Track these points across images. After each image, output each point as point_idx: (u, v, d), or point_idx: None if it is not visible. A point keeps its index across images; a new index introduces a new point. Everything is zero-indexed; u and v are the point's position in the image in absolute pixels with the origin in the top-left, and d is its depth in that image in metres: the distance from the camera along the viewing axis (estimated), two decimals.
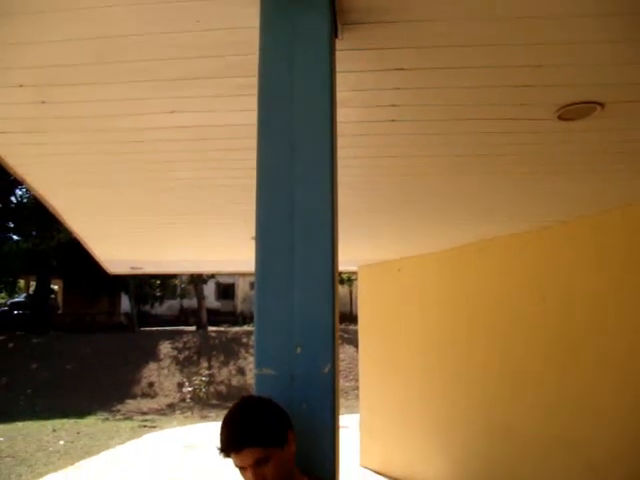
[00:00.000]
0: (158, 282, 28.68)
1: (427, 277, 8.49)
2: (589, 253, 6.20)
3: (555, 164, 4.32)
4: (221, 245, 7.69)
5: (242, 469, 1.76)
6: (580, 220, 6.17)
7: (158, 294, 28.95)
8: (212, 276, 29.50)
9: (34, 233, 27.79)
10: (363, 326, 10.05)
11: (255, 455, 1.72)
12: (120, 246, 7.99)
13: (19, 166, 4.48)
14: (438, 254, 8.16)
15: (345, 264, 9.97)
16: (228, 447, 1.74)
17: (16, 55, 2.78)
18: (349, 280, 28.03)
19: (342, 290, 28.49)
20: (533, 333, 6.80)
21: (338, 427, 2.00)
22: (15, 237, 28.69)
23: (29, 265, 27.55)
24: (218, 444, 1.77)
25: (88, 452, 11.17)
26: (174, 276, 30.16)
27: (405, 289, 8.89)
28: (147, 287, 28.03)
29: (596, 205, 5.69)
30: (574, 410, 6.30)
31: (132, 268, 10.05)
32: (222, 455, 1.77)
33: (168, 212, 5.88)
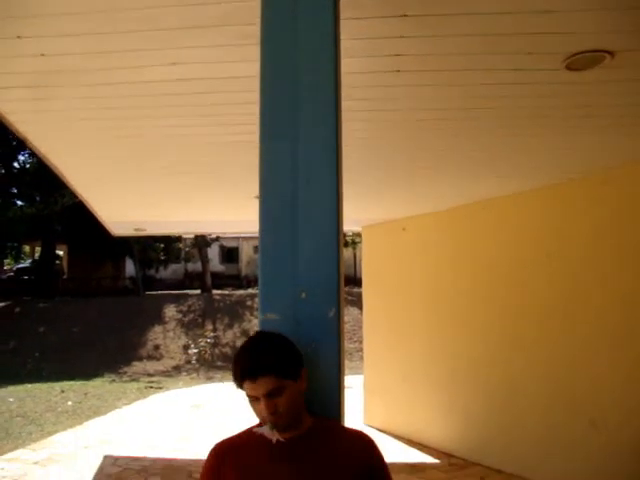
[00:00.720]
0: (162, 246, 28.71)
1: (431, 236, 8.48)
2: (596, 211, 6.17)
3: (563, 117, 4.26)
4: (225, 205, 7.66)
5: (254, 399, 1.74)
6: (588, 177, 6.12)
7: (162, 258, 29.00)
8: (216, 239, 29.50)
9: (38, 198, 27.78)
10: (367, 287, 10.08)
11: (270, 384, 1.70)
12: (123, 207, 7.98)
13: (20, 123, 4.44)
14: (442, 213, 8.14)
15: (349, 224, 9.96)
16: (244, 375, 1.72)
17: (13, 4, 2.73)
18: (353, 243, 28.00)
19: (346, 253, 28.49)
20: (535, 291, 6.81)
21: (343, 370, 2.00)
22: (19, 202, 28.67)
23: (34, 230, 27.59)
24: (233, 374, 1.76)
25: (96, 412, 11.30)
26: (178, 240, 30.21)
27: (409, 248, 8.89)
28: (151, 251, 28.06)
29: (604, 161, 5.63)
30: (574, 367, 6.35)
31: (136, 230, 10.06)
32: (235, 385, 1.76)
33: (171, 171, 5.85)
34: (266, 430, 1.77)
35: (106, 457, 7.98)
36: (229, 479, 1.81)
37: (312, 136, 2.03)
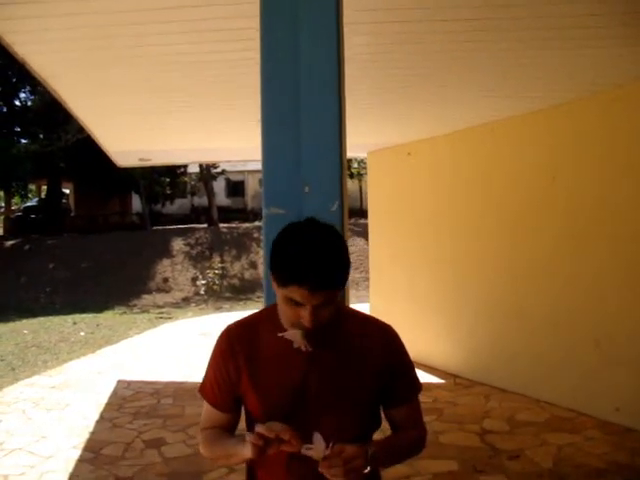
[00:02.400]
0: (168, 180, 28.66)
1: (438, 160, 8.42)
2: (608, 131, 6.09)
3: (570, 28, 4.15)
4: (228, 131, 7.60)
5: (294, 303, 1.54)
6: (599, 95, 6.01)
7: (168, 192, 28.97)
8: (222, 173, 29.42)
9: (41, 136, 27.63)
10: (373, 213, 10.08)
11: (328, 296, 1.52)
12: (127, 135, 7.93)
13: (20, 45, 4.34)
14: (449, 136, 8.06)
15: (354, 150, 9.89)
16: (306, 283, 1.47)
17: None
18: (359, 175, 27.90)
19: (352, 185, 28.40)
20: (546, 215, 6.80)
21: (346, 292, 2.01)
22: (22, 141, 28.54)
23: (39, 168, 27.50)
24: (281, 270, 1.52)
25: (108, 341, 11.54)
26: (183, 174, 30.14)
27: (415, 173, 8.84)
28: (157, 186, 28.02)
29: (614, 78, 5.51)
30: (582, 290, 6.40)
31: (141, 160, 10.03)
32: (274, 278, 1.56)
33: (174, 94, 5.79)
34: (297, 337, 1.60)
35: (119, 381, 8.19)
36: (243, 376, 1.68)
37: (314, 54, 1.99)
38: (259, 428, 1.50)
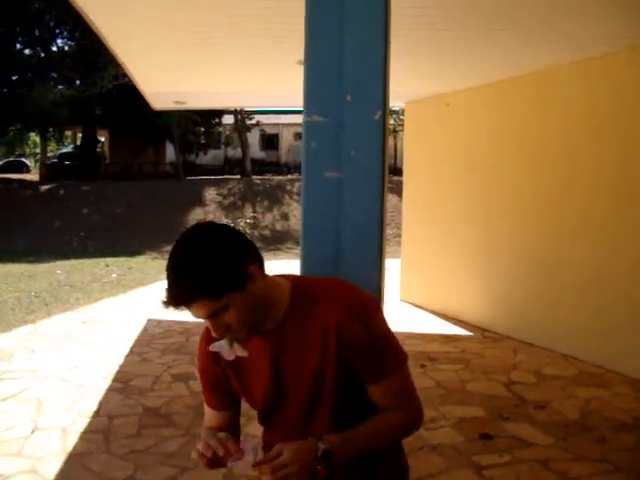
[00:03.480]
0: (202, 130, 28.67)
1: (476, 111, 8.25)
2: None
3: None
4: (266, 72, 7.49)
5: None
6: (633, 50, 5.80)
7: (202, 142, 29.01)
8: (256, 124, 29.34)
9: (77, 82, 27.74)
10: (408, 165, 9.96)
11: (207, 308, 1.39)
12: (164, 75, 7.89)
13: None
14: (489, 86, 7.87)
15: (392, 98, 9.71)
16: (174, 304, 1.39)
17: None
18: (394, 132, 27.59)
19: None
20: (583, 167, 6.64)
21: (386, 182, 1.96)
22: (59, 87, 28.67)
23: (75, 114, 27.71)
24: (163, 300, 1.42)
25: (139, 283, 11.72)
26: (218, 124, 30.09)
27: (453, 125, 8.69)
28: (191, 135, 28.04)
29: None
30: (618, 248, 6.28)
31: (176, 102, 9.99)
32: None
33: (211, 32, 5.71)
34: (224, 348, 1.52)
35: (149, 320, 8.31)
36: (226, 369, 1.63)
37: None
38: (198, 444, 1.47)
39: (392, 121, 27.43)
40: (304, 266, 1.93)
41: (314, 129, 1.86)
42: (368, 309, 1.52)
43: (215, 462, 1.46)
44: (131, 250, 17.48)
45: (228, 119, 31.50)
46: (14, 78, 27.84)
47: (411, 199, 9.84)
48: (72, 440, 4.46)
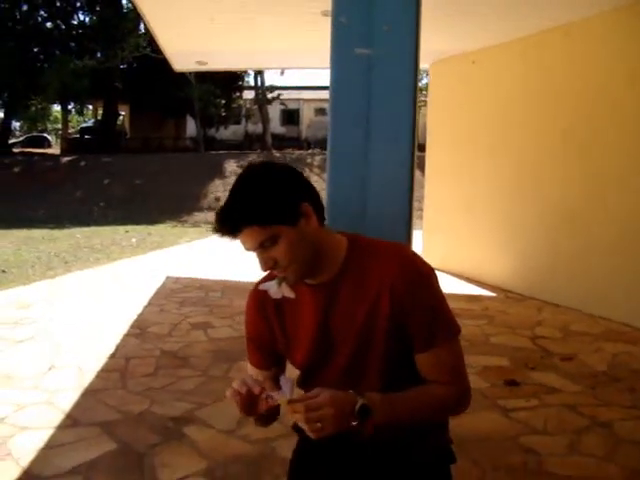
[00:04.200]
0: (223, 102, 28.50)
1: (502, 68, 8.03)
2: None
3: None
4: (290, 25, 7.31)
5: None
6: None
7: (223, 114, 28.85)
8: (277, 97, 29.12)
9: (98, 55, 27.66)
10: (432, 127, 9.76)
11: (256, 237, 1.38)
12: (186, 34, 7.76)
13: None
14: (517, 41, 7.63)
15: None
16: (223, 230, 1.39)
17: None
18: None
19: None
20: (617, 125, 6.42)
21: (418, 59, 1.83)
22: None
23: (96, 87, 27.62)
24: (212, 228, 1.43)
25: (158, 246, 11.69)
26: (239, 97, 29.91)
27: (478, 84, 8.47)
28: (212, 107, 27.89)
29: None
30: None
31: (197, 63, 9.86)
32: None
33: None
34: (272, 287, 1.50)
35: (168, 277, 8.26)
36: (275, 328, 1.60)
37: None
38: (234, 383, 1.42)
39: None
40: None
41: (343, 2, 1.71)
42: (426, 275, 1.48)
43: (249, 407, 1.42)
44: (151, 219, 17.43)
45: (248, 95, 31.38)
46: (35, 50, 27.84)
47: (434, 161, 9.65)
48: (88, 378, 4.40)
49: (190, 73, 26.24)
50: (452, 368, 1.49)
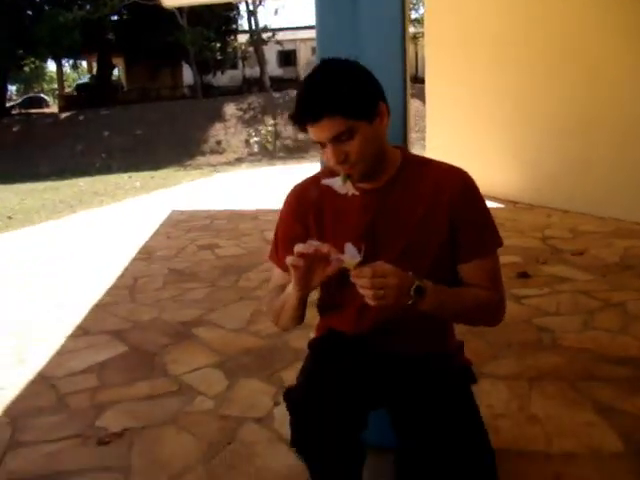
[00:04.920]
0: (218, 45, 27.97)
1: None
2: None
3: None
4: None
5: (321, 145, 1.44)
6: None
7: (219, 58, 28.32)
8: (272, 36, 28.58)
9: (88, 7, 27.05)
10: (433, 32, 9.48)
11: (336, 127, 1.38)
12: None
13: None
14: None
15: None
16: (304, 116, 1.39)
17: None
18: (414, 38, 26.71)
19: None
20: (616, 19, 6.23)
21: None
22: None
23: (88, 40, 27.09)
24: (292, 114, 1.42)
25: (163, 186, 11.63)
26: (234, 38, 29.35)
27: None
28: (207, 52, 27.36)
29: None
30: None
31: None
32: (297, 127, 1.45)
33: None
34: (337, 182, 1.47)
35: (174, 210, 8.21)
36: (312, 232, 1.58)
37: None
38: (297, 247, 1.37)
39: (412, 28, 26.53)
40: None
41: None
42: (478, 190, 1.56)
43: (306, 279, 1.42)
44: (154, 166, 17.29)
45: (243, 39, 30.80)
46: (23, 6, 27.25)
47: (435, 71, 9.41)
48: (97, 295, 4.39)
49: (182, 16, 25.76)
50: (495, 276, 1.56)
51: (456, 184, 1.53)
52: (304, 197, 1.62)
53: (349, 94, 1.37)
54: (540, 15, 7.20)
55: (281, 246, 1.65)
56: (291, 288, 1.50)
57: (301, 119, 1.40)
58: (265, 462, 2.18)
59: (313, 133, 1.41)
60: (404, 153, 1.60)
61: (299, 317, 1.60)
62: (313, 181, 1.65)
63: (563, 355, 3.02)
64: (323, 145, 1.43)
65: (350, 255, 1.33)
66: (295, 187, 1.68)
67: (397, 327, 1.57)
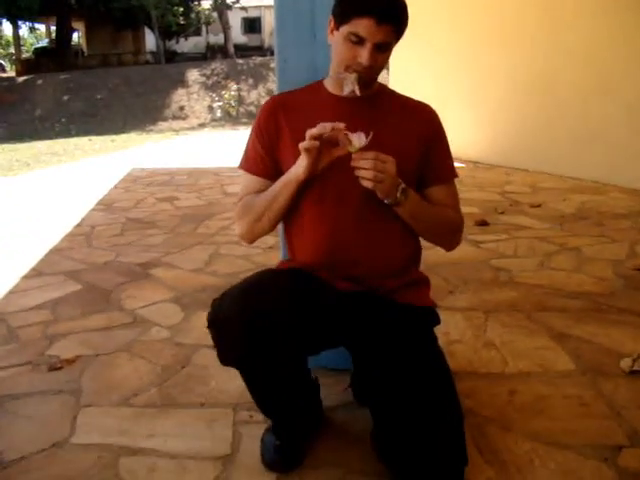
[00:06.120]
0: (181, 10, 27.40)
1: None
2: None
3: None
4: None
5: (354, 42, 1.48)
6: None
7: (182, 23, 27.75)
8: (236, 1, 28.08)
9: None
10: None
11: (389, 36, 1.48)
12: None
13: None
14: None
15: None
16: (371, 10, 1.43)
17: None
18: None
19: None
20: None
21: None
22: None
23: (47, 4, 26.26)
24: (355, 2, 1.47)
25: (123, 147, 11.44)
26: (197, 4, 28.79)
27: None
28: (170, 16, 26.79)
29: None
30: (612, 54, 6.00)
31: None
32: (335, 13, 1.52)
33: None
34: (351, 78, 1.52)
35: (134, 168, 8.08)
36: (284, 134, 1.64)
37: None
38: (310, 130, 1.44)
39: None
40: None
41: None
42: (441, 122, 1.72)
43: (317, 159, 1.49)
44: (115, 130, 16.97)
45: (207, 4, 30.21)
46: None
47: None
48: (53, 241, 4.30)
49: None
50: (456, 201, 1.73)
51: (428, 115, 1.70)
52: (280, 104, 1.69)
53: (406, 16, 1.51)
54: None
55: (253, 152, 1.70)
56: (290, 175, 1.56)
57: (366, 9, 1.44)
58: (219, 383, 2.16)
59: (367, 29, 1.45)
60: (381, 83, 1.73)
61: (286, 210, 1.63)
62: (291, 92, 1.75)
63: (519, 290, 3.06)
64: (359, 43, 1.47)
65: (358, 138, 1.42)
66: (272, 96, 1.77)
67: (362, 252, 1.61)
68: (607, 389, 2.07)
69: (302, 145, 1.46)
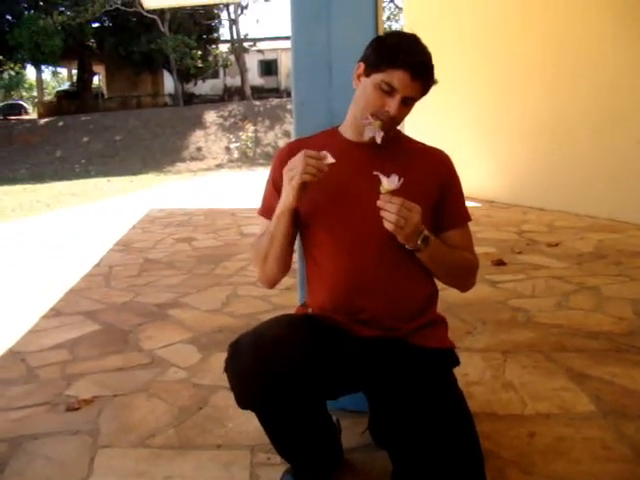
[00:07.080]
0: (199, 53, 27.89)
1: None
2: None
3: None
4: None
5: (386, 92, 1.53)
6: None
7: (200, 65, 28.21)
8: (253, 45, 28.59)
9: (68, 13, 26.90)
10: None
11: (417, 92, 1.55)
12: None
13: None
14: None
15: None
16: (410, 65, 1.50)
17: None
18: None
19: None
20: (590, 20, 6.34)
21: None
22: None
23: (69, 47, 26.94)
24: (388, 53, 1.52)
25: (141, 188, 11.59)
26: (215, 45, 29.31)
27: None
28: (189, 59, 27.28)
29: None
30: (626, 88, 6.05)
31: None
32: (370, 60, 1.56)
33: None
34: (374, 125, 1.55)
35: (152, 209, 8.17)
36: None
37: None
38: (305, 152, 1.49)
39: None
40: None
41: None
42: (455, 169, 1.75)
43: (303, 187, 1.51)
44: (133, 171, 17.23)
45: (224, 47, 30.79)
46: (1, 8, 26.99)
47: None
48: (72, 281, 4.34)
49: (163, 24, 25.74)
50: (471, 243, 1.76)
51: (443, 161, 1.73)
52: (292, 148, 1.69)
53: (433, 77, 1.56)
54: (518, 15, 7.31)
55: (269, 198, 1.71)
56: (282, 206, 1.56)
57: (406, 63, 1.49)
58: (236, 425, 2.16)
59: (401, 81, 1.50)
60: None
61: (288, 253, 1.64)
62: (308, 138, 1.77)
63: (537, 331, 3.04)
64: (389, 93, 1.52)
65: (390, 181, 1.46)
66: (288, 142, 1.81)
67: (381, 295, 1.61)
68: (629, 431, 2.04)
69: (292, 183, 1.50)
